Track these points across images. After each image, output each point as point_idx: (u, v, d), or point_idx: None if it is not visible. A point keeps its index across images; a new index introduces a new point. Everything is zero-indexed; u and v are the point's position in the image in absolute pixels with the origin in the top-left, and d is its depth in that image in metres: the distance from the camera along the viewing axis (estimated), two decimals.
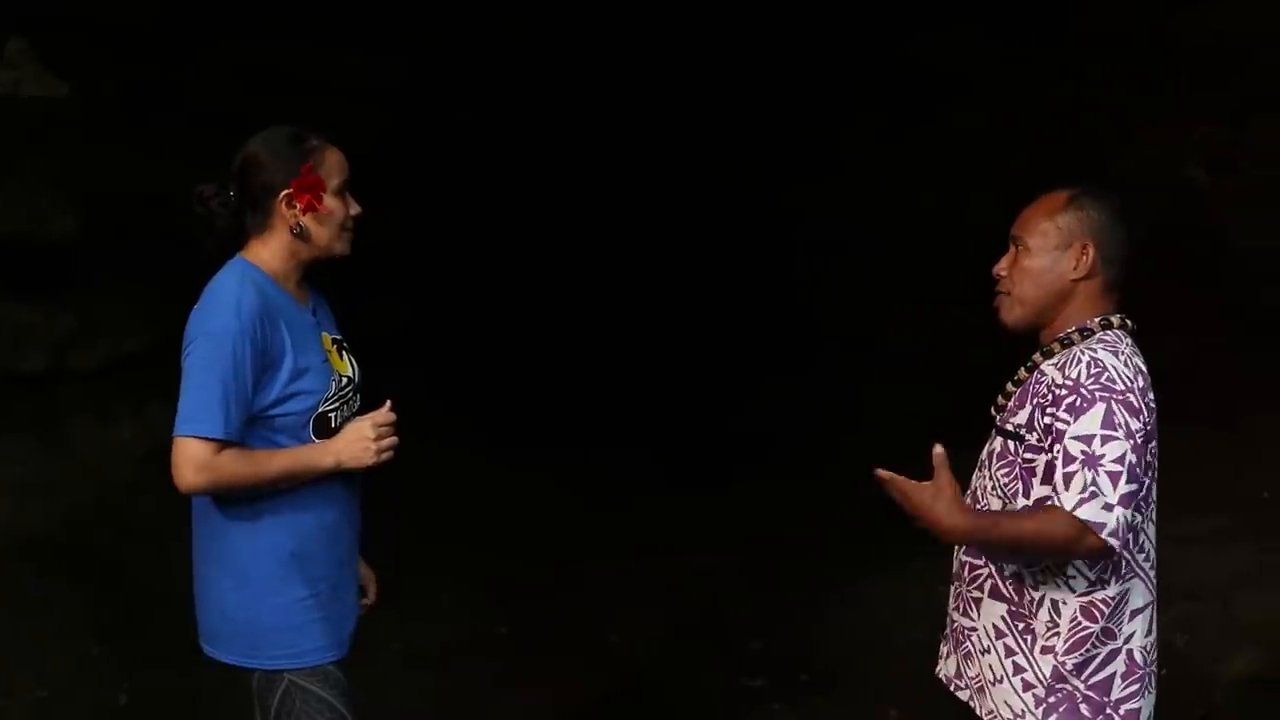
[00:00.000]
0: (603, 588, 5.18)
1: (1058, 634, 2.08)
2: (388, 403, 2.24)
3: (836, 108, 7.86)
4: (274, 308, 2.19)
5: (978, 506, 2.20)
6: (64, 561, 4.42)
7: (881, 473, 1.92)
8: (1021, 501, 2.09)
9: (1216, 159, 5.83)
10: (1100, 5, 6.30)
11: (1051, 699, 2.09)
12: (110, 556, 4.54)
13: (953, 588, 2.30)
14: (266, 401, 2.17)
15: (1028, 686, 2.10)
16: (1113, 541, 1.94)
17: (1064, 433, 2.00)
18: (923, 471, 1.92)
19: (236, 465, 2.13)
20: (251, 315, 2.13)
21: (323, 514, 2.24)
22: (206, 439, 2.10)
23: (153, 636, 4.07)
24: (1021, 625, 2.12)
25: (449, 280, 8.23)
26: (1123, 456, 1.96)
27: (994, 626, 2.16)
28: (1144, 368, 2.09)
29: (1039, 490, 2.06)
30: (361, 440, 2.19)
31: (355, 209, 2.30)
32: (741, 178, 8.65)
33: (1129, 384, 2.01)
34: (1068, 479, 1.97)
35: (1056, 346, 2.13)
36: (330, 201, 2.25)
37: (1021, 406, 2.13)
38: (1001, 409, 2.20)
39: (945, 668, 2.31)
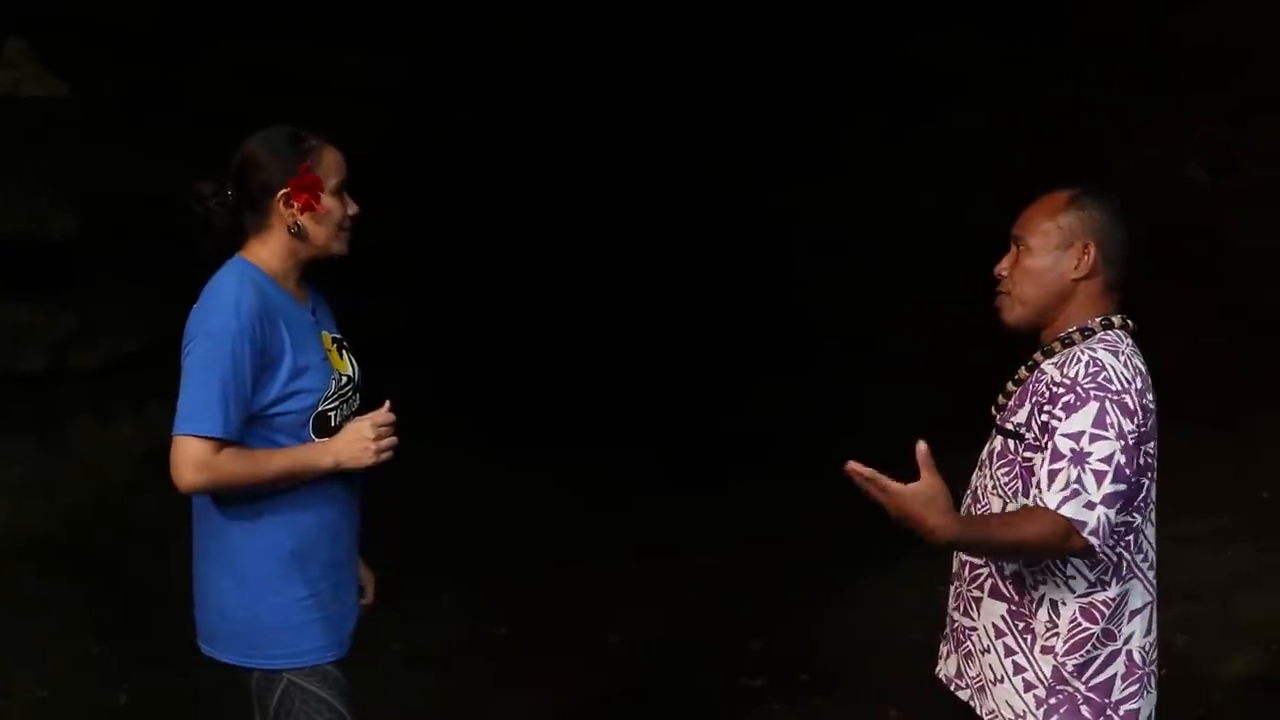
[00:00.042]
0: (603, 588, 5.18)
1: (1057, 634, 2.08)
2: (387, 403, 2.25)
3: (836, 108, 7.86)
4: (273, 307, 2.18)
5: (978, 506, 2.20)
6: (64, 561, 4.42)
7: (855, 467, 1.84)
8: (1022, 501, 2.09)
9: (1216, 159, 5.84)
10: (1100, 5, 6.30)
11: (1053, 700, 2.08)
12: (110, 556, 4.54)
13: (952, 587, 2.30)
14: (266, 401, 2.17)
15: (1029, 687, 2.10)
16: (1093, 540, 1.94)
17: (1056, 429, 2.00)
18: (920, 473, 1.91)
19: (236, 464, 2.12)
20: (250, 314, 2.13)
21: (322, 513, 2.24)
22: (206, 438, 2.10)
23: (152, 636, 4.07)
24: (1021, 625, 2.12)
25: (449, 280, 8.23)
26: (1110, 456, 1.96)
27: (994, 626, 2.16)
28: (1143, 368, 2.09)
29: None
30: (361, 440, 2.19)
31: (353, 209, 2.30)
32: (742, 178, 8.65)
33: (1126, 384, 2.01)
34: (1052, 475, 1.97)
35: (1057, 346, 2.13)
36: (328, 201, 2.25)
37: (1021, 405, 2.13)
38: (1002, 408, 2.20)
39: (945, 668, 2.31)
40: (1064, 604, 2.08)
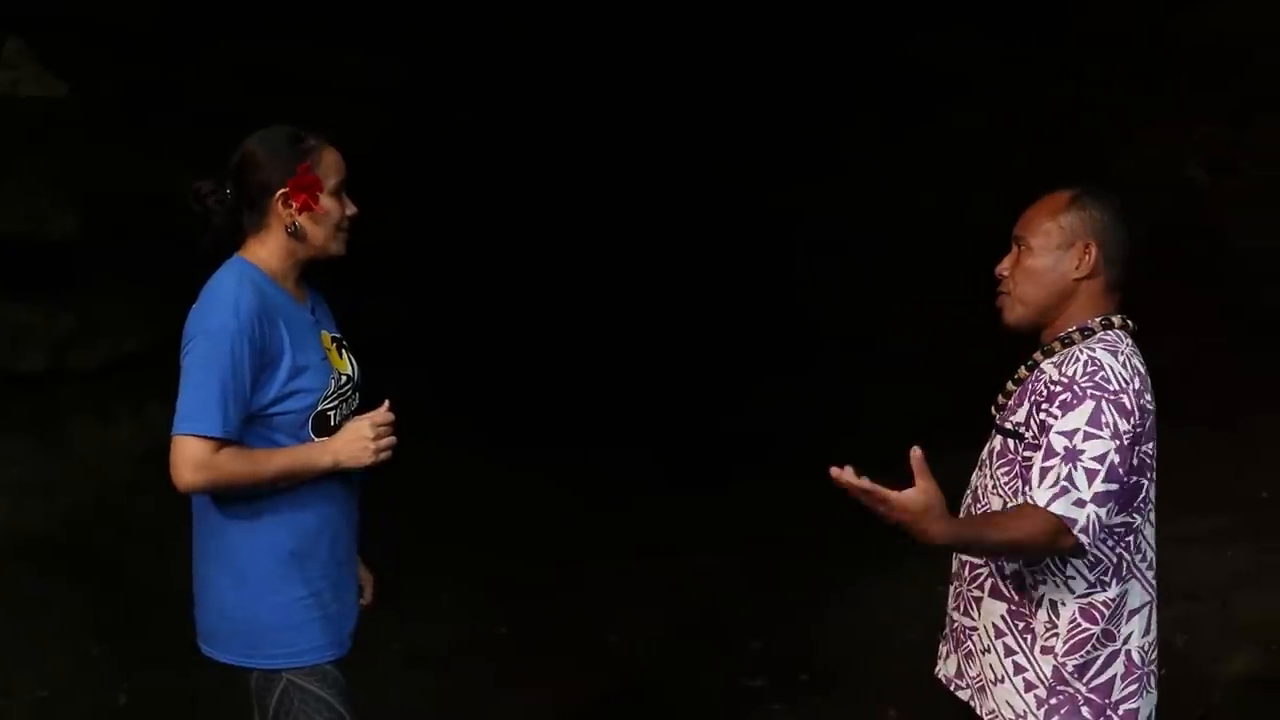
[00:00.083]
0: (603, 588, 5.18)
1: (1056, 635, 2.08)
2: (386, 402, 2.25)
3: (836, 108, 7.87)
4: (272, 306, 2.18)
5: (978, 506, 2.20)
6: (63, 561, 4.43)
7: (839, 475, 1.82)
8: (1022, 500, 2.09)
9: (1216, 159, 5.84)
10: (1100, 5, 6.31)
11: (1053, 700, 2.08)
12: (110, 556, 4.54)
13: (952, 587, 2.30)
14: (265, 400, 2.17)
15: (1029, 687, 2.10)
16: (1083, 539, 1.94)
17: (1051, 427, 2.00)
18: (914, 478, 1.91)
19: (235, 464, 2.12)
20: (250, 314, 2.13)
21: (322, 513, 2.24)
22: (205, 438, 2.10)
23: (152, 636, 4.07)
24: (1021, 625, 2.12)
25: (449, 280, 8.23)
26: (1104, 455, 1.96)
27: (994, 626, 2.16)
28: (1142, 369, 2.09)
29: None
30: (360, 439, 2.19)
31: (351, 210, 2.30)
32: (742, 178, 8.65)
33: (1123, 384, 2.01)
34: (1043, 473, 1.97)
35: (1057, 346, 2.13)
36: (326, 202, 2.25)
37: (1020, 405, 2.13)
38: (1002, 408, 2.20)
39: (945, 668, 2.31)
40: (1063, 604, 2.08)
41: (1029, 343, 2.20)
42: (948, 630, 2.31)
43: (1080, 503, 1.94)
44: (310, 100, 5.38)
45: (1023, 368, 2.18)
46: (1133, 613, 2.11)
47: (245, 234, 2.26)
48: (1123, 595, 2.10)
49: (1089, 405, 1.99)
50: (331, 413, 2.24)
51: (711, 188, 8.81)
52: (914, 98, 7.43)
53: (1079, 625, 2.07)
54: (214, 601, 2.26)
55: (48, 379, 4.83)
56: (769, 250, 8.60)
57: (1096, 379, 2.01)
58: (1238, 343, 5.33)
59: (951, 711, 2.27)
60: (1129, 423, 2.00)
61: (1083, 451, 1.96)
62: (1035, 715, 2.09)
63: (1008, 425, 2.15)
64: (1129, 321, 2.16)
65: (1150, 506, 2.13)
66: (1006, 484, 2.13)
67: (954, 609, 2.28)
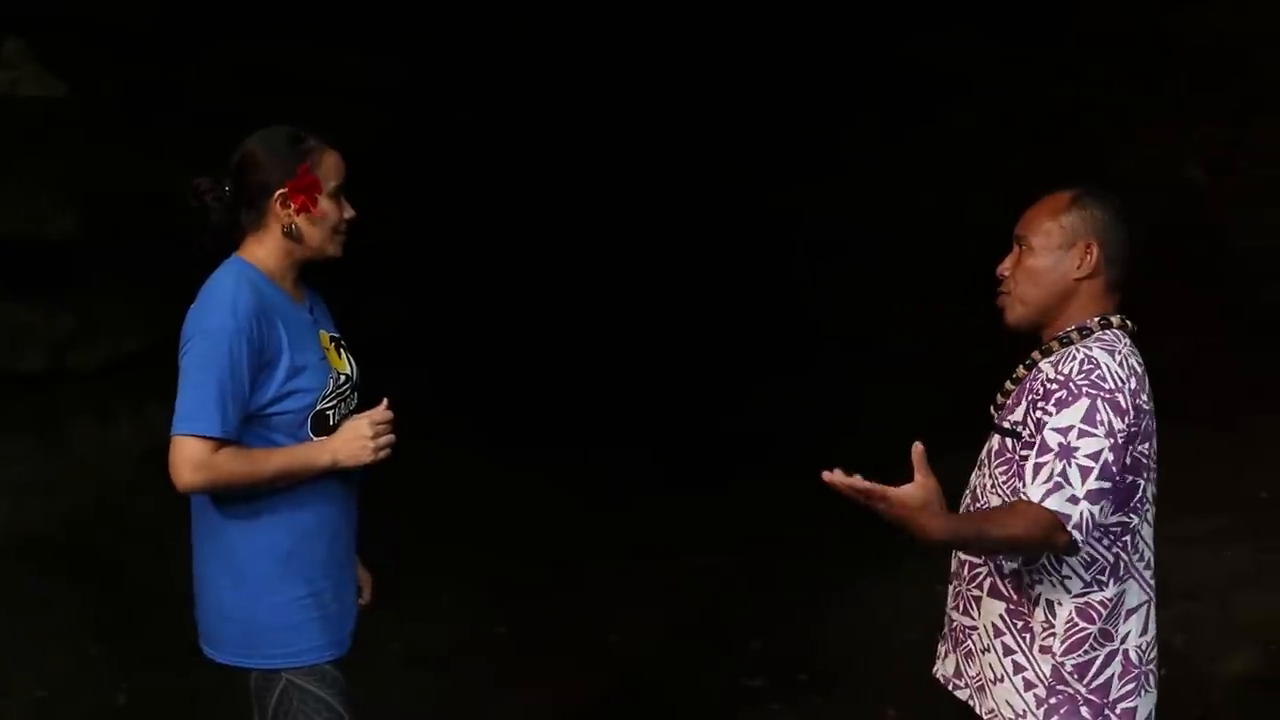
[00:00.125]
0: (603, 588, 5.18)
1: (1054, 634, 2.08)
2: (385, 400, 2.25)
3: (836, 108, 7.87)
4: (270, 306, 2.18)
5: (977, 505, 2.20)
6: (63, 561, 4.43)
7: (834, 480, 1.80)
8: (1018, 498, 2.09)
9: (1216, 159, 5.84)
10: (1099, 5, 6.31)
11: (1053, 700, 2.08)
12: (109, 557, 4.55)
13: (951, 586, 2.30)
14: (264, 400, 2.17)
15: (1028, 686, 2.10)
16: (1076, 535, 1.94)
17: (1046, 424, 2.00)
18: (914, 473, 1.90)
19: (234, 464, 2.12)
20: (248, 313, 2.13)
21: (321, 512, 2.24)
22: (204, 438, 2.10)
23: (151, 636, 4.07)
24: (1020, 624, 2.12)
25: (449, 280, 8.23)
26: (1098, 453, 1.96)
27: (993, 625, 2.16)
28: (1140, 368, 2.09)
29: None
30: (359, 438, 2.20)
31: (350, 213, 2.29)
32: (742, 178, 8.65)
33: (1119, 383, 2.01)
34: (1037, 469, 1.97)
35: (1055, 345, 2.13)
36: (325, 204, 2.25)
37: (1018, 404, 2.13)
38: (1000, 407, 2.20)
39: (943, 667, 2.31)
40: (1060, 604, 2.08)
41: (1029, 343, 2.20)
42: (947, 630, 2.31)
43: (1074, 499, 1.94)
44: (310, 100, 5.38)
45: (1021, 367, 2.19)
46: (1130, 612, 2.11)
47: (244, 233, 2.26)
48: (1120, 595, 2.10)
49: (1084, 403, 1.99)
50: (330, 412, 2.24)
51: (711, 188, 8.81)
52: (914, 98, 7.43)
53: (1076, 625, 2.07)
54: (213, 601, 2.26)
55: (47, 379, 4.83)
56: (769, 250, 8.61)
57: (1092, 377, 2.01)
58: (1237, 343, 5.33)
59: (950, 711, 2.27)
60: (1124, 421, 2.00)
61: (1077, 449, 1.96)
62: (1034, 715, 2.09)
63: (1005, 424, 2.15)
64: (1128, 321, 2.16)
65: (1148, 507, 2.12)
66: (1005, 483, 2.13)
67: (953, 608, 2.28)
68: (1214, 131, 5.80)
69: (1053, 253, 2.15)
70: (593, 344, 8.55)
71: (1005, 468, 2.14)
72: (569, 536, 5.87)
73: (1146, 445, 2.07)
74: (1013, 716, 2.12)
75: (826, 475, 1.81)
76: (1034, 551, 2.04)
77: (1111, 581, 2.08)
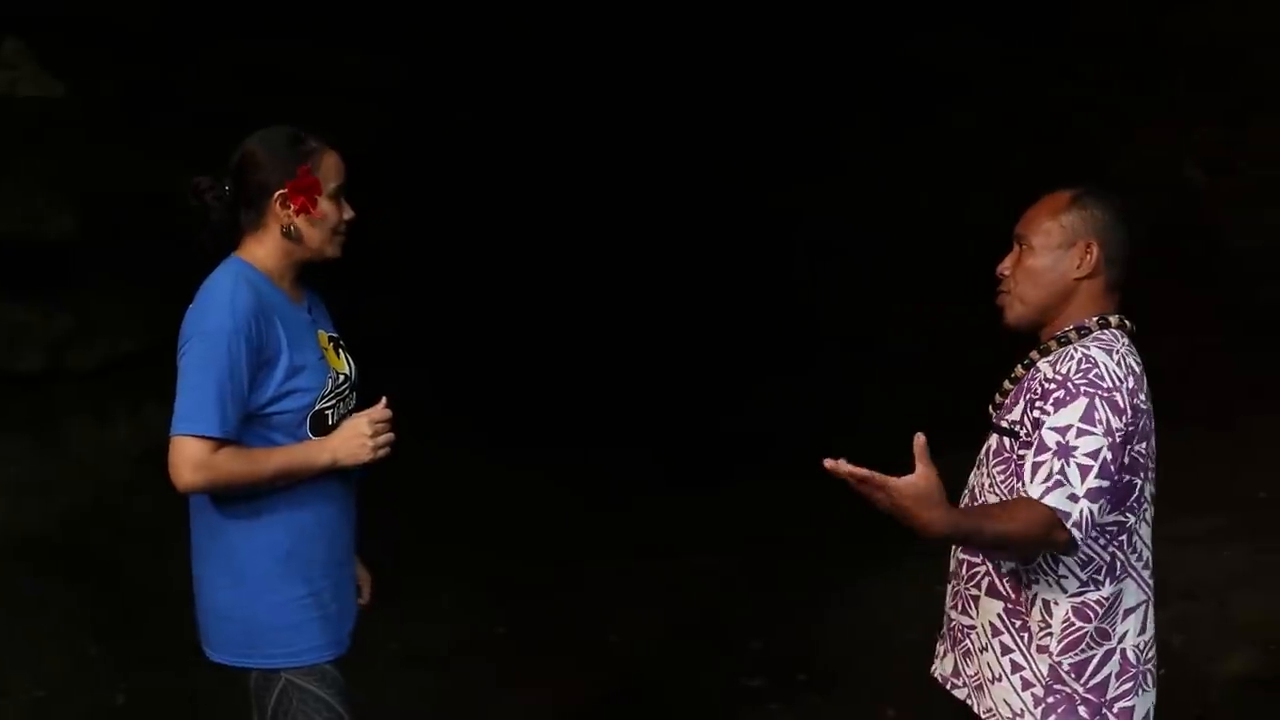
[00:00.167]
0: (603, 588, 5.18)
1: (1051, 633, 2.09)
2: (383, 399, 2.25)
3: (836, 108, 7.87)
4: (269, 306, 2.19)
5: (976, 504, 2.20)
6: (61, 561, 4.42)
7: (833, 465, 1.81)
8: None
9: (1214, 159, 5.85)
10: (1098, 5, 6.32)
11: (1050, 699, 2.09)
12: (107, 556, 4.54)
13: (950, 586, 2.30)
14: (263, 399, 2.17)
15: (1026, 685, 2.10)
16: (1075, 533, 1.94)
17: (1044, 423, 2.01)
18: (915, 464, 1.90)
19: (233, 464, 2.13)
20: (246, 313, 2.13)
21: (320, 511, 2.24)
22: (203, 438, 2.10)
23: (149, 636, 4.07)
24: (1018, 623, 2.12)
25: (448, 280, 8.23)
26: (1097, 452, 1.96)
27: (991, 624, 2.16)
28: (1137, 367, 2.09)
29: None
30: (358, 437, 2.20)
31: (349, 214, 2.30)
32: (742, 178, 8.65)
33: (1117, 382, 2.02)
34: (1035, 468, 1.97)
35: (1054, 345, 2.14)
36: (324, 205, 2.25)
37: (1016, 403, 2.14)
38: (998, 407, 2.21)
39: (942, 666, 2.31)
40: (1056, 603, 2.08)
41: (1029, 342, 2.21)
42: (945, 629, 2.31)
43: (1074, 497, 1.95)
44: (310, 100, 5.39)
45: (1019, 366, 2.19)
46: (1128, 612, 2.11)
47: (243, 234, 2.26)
48: (1117, 594, 2.10)
49: (1082, 402, 1.99)
50: (329, 412, 2.24)
51: (711, 188, 8.81)
52: (914, 98, 7.44)
53: (1072, 624, 2.07)
54: (212, 601, 2.26)
55: (45, 379, 4.83)
56: (769, 250, 8.61)
57: (1090, 376, 2.01)
58: (1234, 343, 5.33)
59: (949, 711, 2.27)
60: (1121, 420, 2.00)
61: (1075, 448, 1.96)
62: (1032, 714, 2.09)
63: (1004, 424, 2.15)
64: (1126, 321, 2.16)
65: (1146, 506, 2.13)
66: (1003, 482, 2.13)
67: (952, 607, 2.28)
68: (1211, 132, 5.81)
69: (1053, 252, 2.15)
70: (592, 344, 8.55)
71: (1004, 467, 2.14)
72: (569, 536, 5.87)
73: (1144, 445, 2.07)
74: (1010, 715, 2.12)
75: (829, 463, 1.81)
76: (1033, 549, 2.04)
77: (1108, 581, 2.08)
